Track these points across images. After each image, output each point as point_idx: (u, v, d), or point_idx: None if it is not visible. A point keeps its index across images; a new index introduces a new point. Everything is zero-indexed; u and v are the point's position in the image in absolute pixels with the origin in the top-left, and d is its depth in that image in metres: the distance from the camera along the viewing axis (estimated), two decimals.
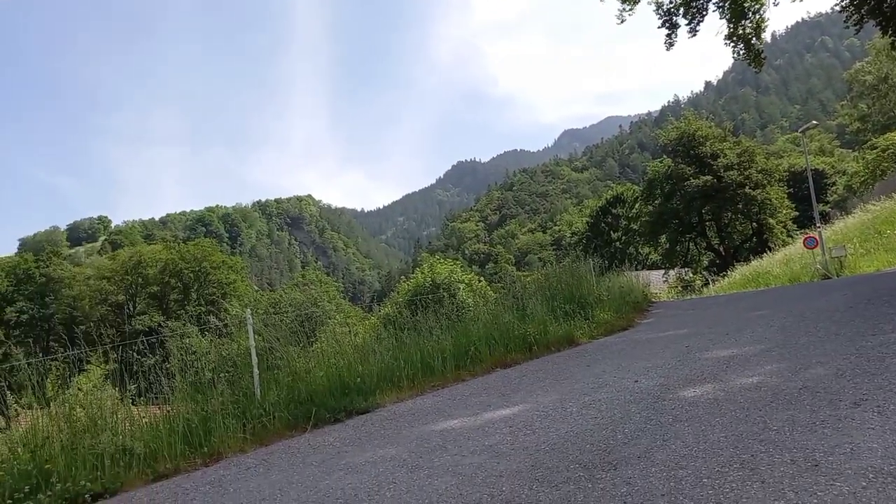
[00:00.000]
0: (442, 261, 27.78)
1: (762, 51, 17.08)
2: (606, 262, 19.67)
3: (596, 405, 5.26)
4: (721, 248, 44.08)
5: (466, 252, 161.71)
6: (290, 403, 6.67)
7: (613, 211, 63.67)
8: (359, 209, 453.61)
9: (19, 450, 5.41)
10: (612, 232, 62.94)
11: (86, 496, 4.78)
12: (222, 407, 6.27)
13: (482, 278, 27.44)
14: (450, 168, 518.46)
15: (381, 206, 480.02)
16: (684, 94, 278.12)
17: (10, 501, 4.57)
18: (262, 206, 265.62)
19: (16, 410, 6.77)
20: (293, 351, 8.02)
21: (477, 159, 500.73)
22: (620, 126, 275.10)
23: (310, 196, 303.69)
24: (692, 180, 39.33)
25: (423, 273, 24.92)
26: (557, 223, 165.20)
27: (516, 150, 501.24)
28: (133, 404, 6.76)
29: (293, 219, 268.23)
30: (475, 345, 8.73)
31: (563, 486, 3.42)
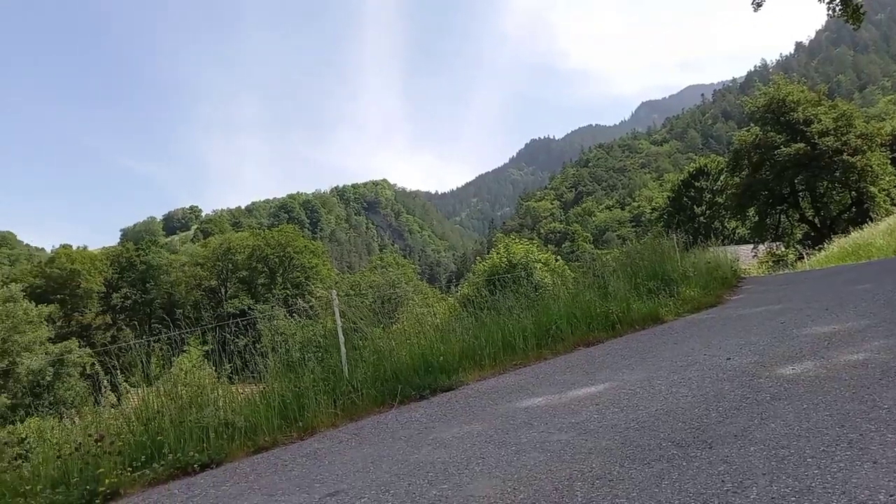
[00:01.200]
0: (517, 241, 27.56)
1: (861, 5, 15.72)
2: (690, 237, 18.94)
3: (686, 383, 5.12)
4: (816, 220, 41.41)
5: (542, 231, 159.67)
6: (376, 381, 6.88)
7: (696, 184, 60.96)
8: (433, 191, 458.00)
9: (134, 423, 5.87)
10: (695, 206, 60.34)
11: (194, 465, 5.14)
12: (314, 384, 6.55)
13: (559, 257, 27.03)
14: (523, 147, 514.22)
15: (455, 188, 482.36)
16: (772, 58, 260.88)
17: (131, 469, 4.98)
18: (339, 192, 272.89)
19: (125, 388, 7.30)
20: (376, 331, 8.24)
21: (551, 136, 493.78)
22: (703, 95, 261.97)
23: (385, 180, 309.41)
24: (783, 149, 36.99)
25: (498, 253, 24.81)
26: (636, 199, 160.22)
27: (591, 125, 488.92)
28: (230, 383, 7.18)
29: (369, 203, 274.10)
30: (556, 323, 8.66)
31: (655, 464, 3.36)
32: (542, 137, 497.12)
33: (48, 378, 44.05)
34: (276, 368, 7.15)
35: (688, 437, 3.71)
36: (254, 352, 7.75)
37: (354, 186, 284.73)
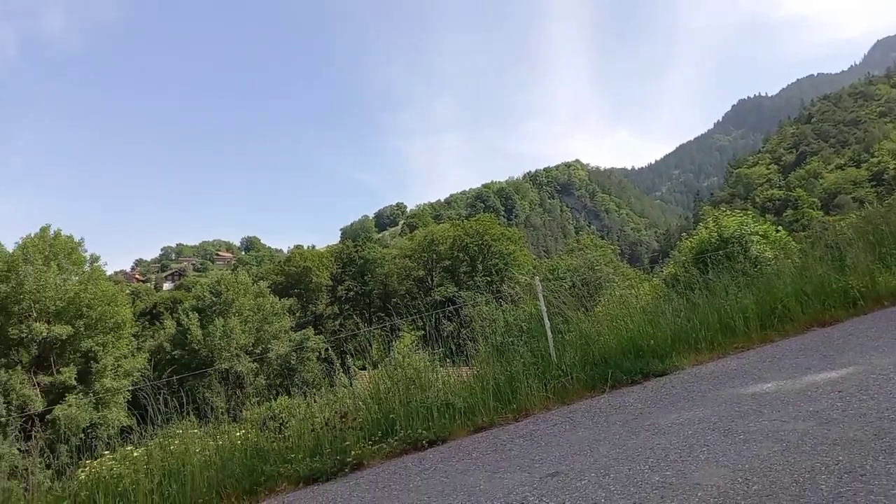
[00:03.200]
0: (728, 212, 25.30)
1: None
2: None
3: None
4: None
5: (757, 200, 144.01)
6: (585, 365, 6.88)
7: None
8: (629, 167, 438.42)
9: (369, 402, 6.59)
10: None
11: (423, 442, 5.62)
12: (524, 368, 6.76)
13: (780, 228, 24.27)
14: (729, 109, 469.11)
15: (653, 161, 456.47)
16: None
17: (370, 442, 5.62)
18: (532, 177, 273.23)
19: (355, 370, 8.19)
20: (580, 315, 8.22)
21: (762, 94, 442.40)
22: None
23: (577, 161, 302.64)
24: None
25: (707, 228, 23.01)
26: (876, 154, 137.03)
27: (812, 75, 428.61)
28: (443, 366, 7.69)
29: (562, 185, 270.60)
30: (783, 302, 7.87)
31: None
32: (751, 97, 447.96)
33: (293, 362, 51.00)
34: (486, 353, 7.51)
35: None
36: (464, 336, 8.22)
37: (547, 170, 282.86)
